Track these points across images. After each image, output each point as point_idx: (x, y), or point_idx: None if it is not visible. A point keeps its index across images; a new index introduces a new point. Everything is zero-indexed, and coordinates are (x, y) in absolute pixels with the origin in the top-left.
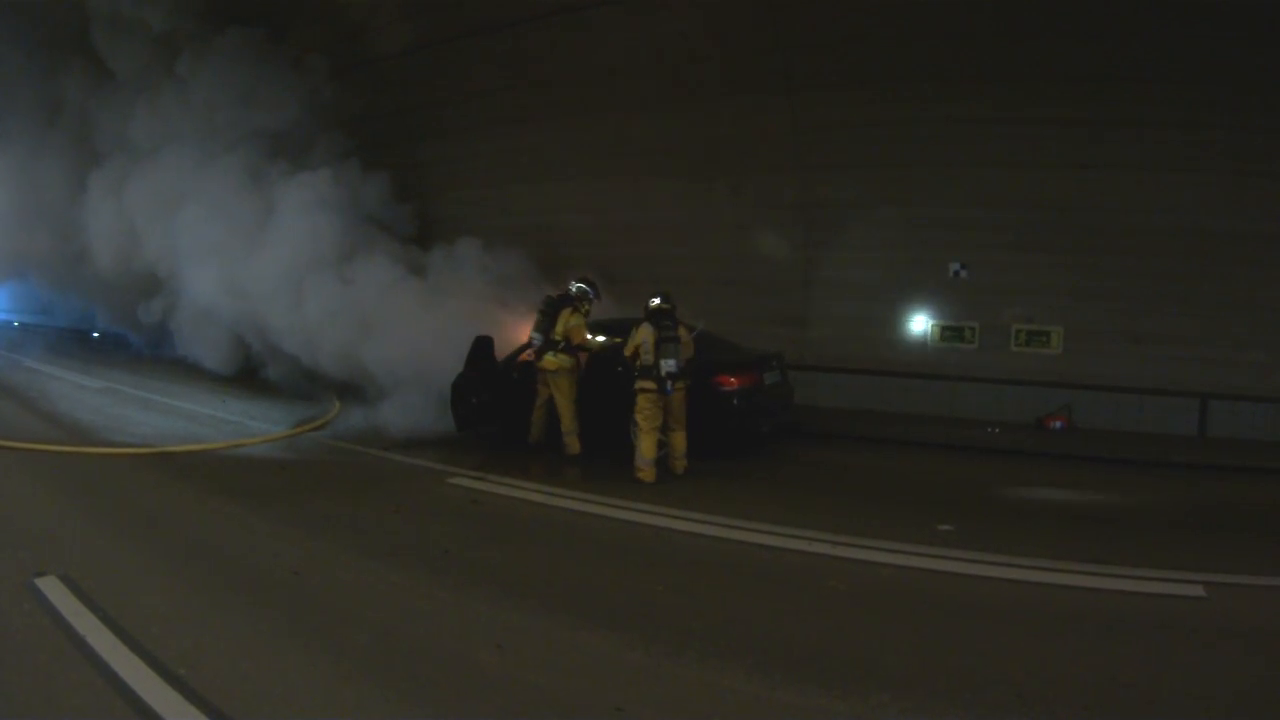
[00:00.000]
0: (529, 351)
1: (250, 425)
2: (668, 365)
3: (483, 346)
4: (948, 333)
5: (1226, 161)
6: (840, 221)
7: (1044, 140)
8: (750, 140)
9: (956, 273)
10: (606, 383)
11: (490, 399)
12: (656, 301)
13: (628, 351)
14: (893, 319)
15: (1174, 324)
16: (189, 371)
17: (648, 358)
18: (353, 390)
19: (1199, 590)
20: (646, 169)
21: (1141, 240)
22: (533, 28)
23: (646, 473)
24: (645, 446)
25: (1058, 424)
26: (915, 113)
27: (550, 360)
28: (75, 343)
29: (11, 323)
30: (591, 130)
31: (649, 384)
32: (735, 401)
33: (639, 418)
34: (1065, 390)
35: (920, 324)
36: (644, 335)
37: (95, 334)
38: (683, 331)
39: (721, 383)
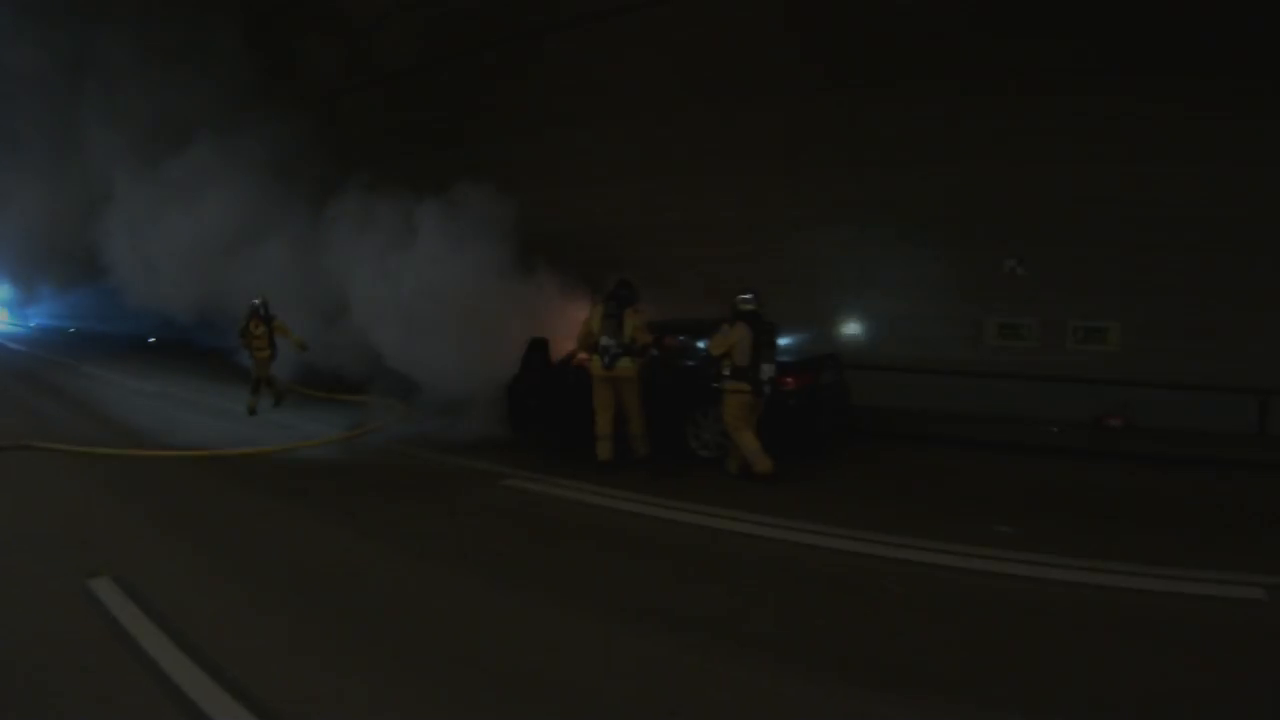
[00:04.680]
0: (581, 357)
1: (305, 428)
2: (768, 370)
3: (538, 348)
4: (1005, 330)
5: None
6: (896, 218)
7: (1100, 133)
8: (805, 138)
9: (1013, 268)
10: (664, 383)
11: (546, 401)
12: (748, 301)
13: (718, 351)
14: (950, 316)
15: (1234, 318)
16: (242, 374)
17: (743, 360)
18: (408, 392)
19: (1259, 593)
20: (700, 168)
21: (1200, 233)
22: (585, 29)
23: (763, 462)
24: (748, 441)
25: (1116, 422)
26: (970, 109)
27: (628, 365)
28: (131, 348)
29: (67, 328)
30: (643, 131)
31: (743, 386)
32: (792, 402)
33: (730, 420)
34: (1123, 388)
35: (978, 321)
36: (740, 335)
37: (151, 339)
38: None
39: (779, 383)
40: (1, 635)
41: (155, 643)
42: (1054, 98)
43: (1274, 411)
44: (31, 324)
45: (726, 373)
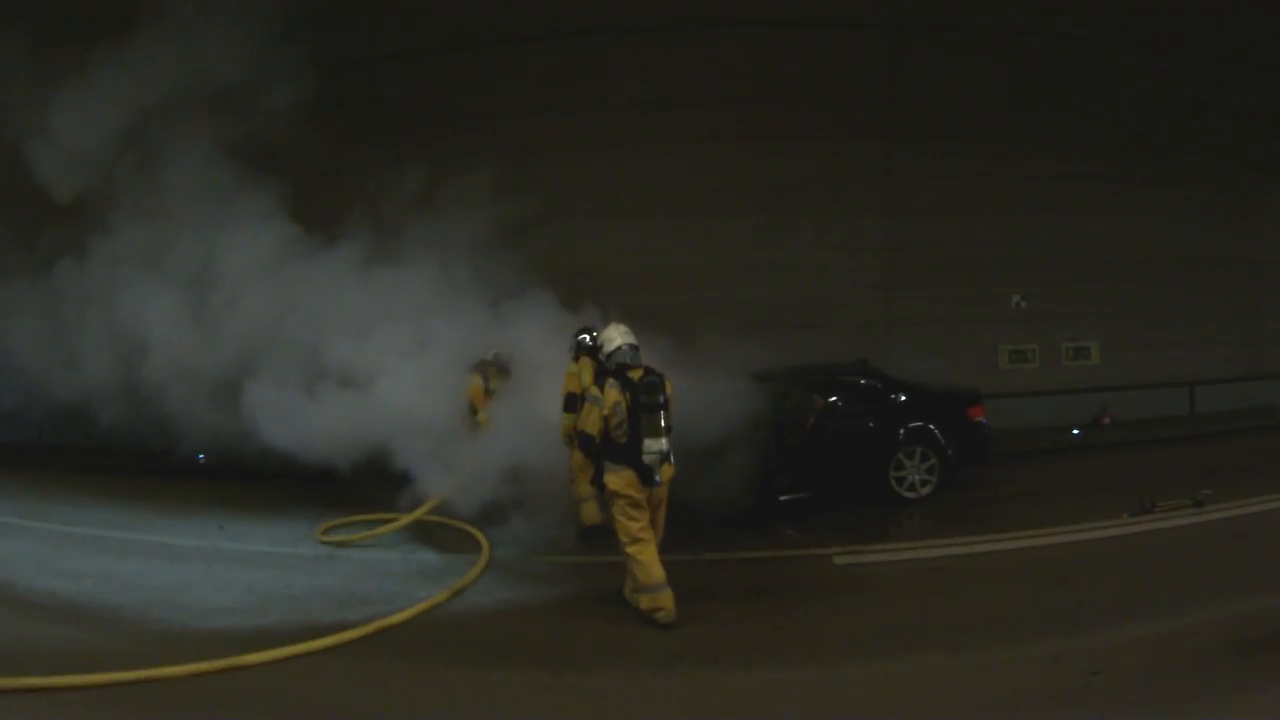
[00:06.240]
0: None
1: (320, 561)
2: (656, 445)
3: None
4: (1014, 355)
5: (1223, 208)
6: (919, 261)
7: (1085, 192)
8: (839, 182)
9: (1018, 303)
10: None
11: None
12: (612, 340)
13: (589, 425)
14: (969, 347)
15: (1170, 333)
16: (81, 481)
17: (620, 434)
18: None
19: None
20: (720, 208)
21: (1148, 272)
22: (598, 41)
23: (665, 603)
24: (645, 567)
25: (1106, 420)
26: (987, 165)
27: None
28: None
29: None
30: (658, 163)
31: (624, 474)
32: (987, 430)
33: (620, 534)
34: (1100, 393)
35: (993, 350)
36: (613, 398)
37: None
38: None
39: (974, 414)
40: None
41: None
42: (1052, 163)
43: (1198, 397)
44: None
45: (604, 453)
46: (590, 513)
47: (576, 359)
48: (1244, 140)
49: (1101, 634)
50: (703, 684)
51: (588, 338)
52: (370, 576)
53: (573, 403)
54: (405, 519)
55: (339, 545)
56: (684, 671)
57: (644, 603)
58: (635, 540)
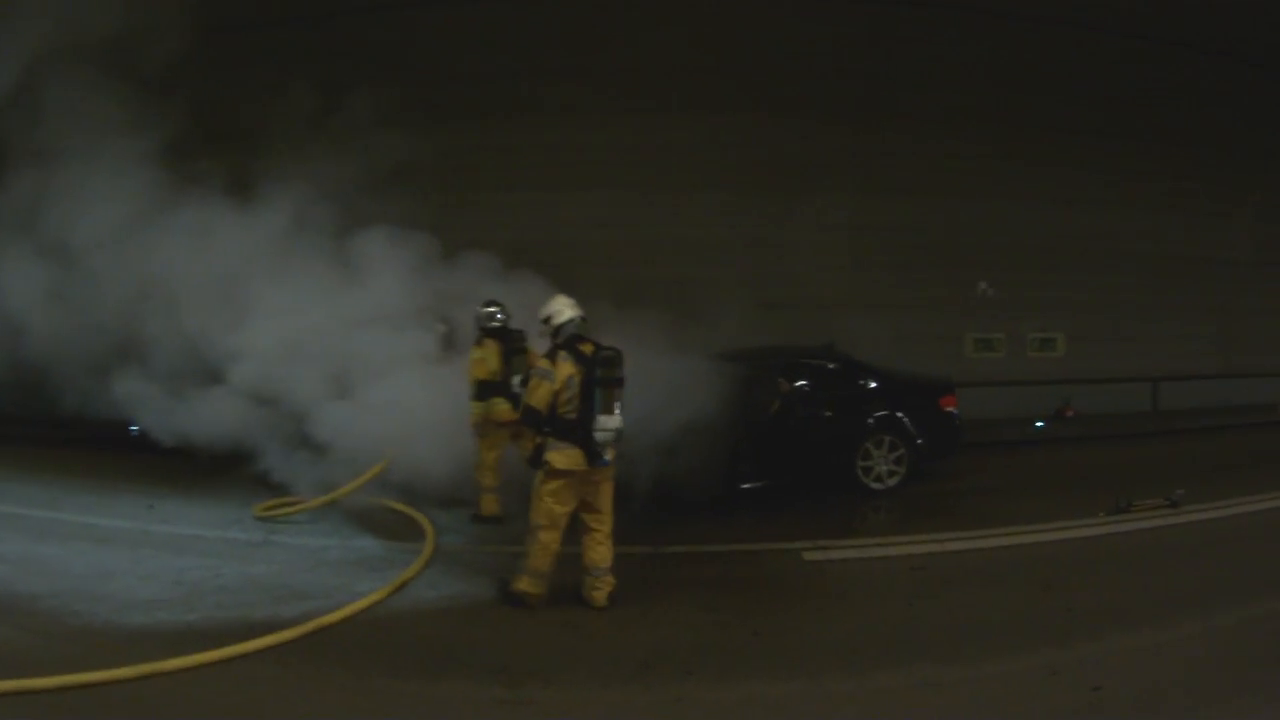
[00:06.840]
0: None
1: (253, 549)
2: (612, 423)
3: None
4: (980, 344)
5: (1195, 203)
6: (887, 244)
7: (1056, 179)
8: (812, 160)
9: (984, 290)
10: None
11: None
12: (562, 312)
13: (536, 400)
14: (934, 334)
15: (1135, 327)
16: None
17: (569, 410)
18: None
19: None
20: (689, 182)
21: (1116, 263)
22: (567, 6)
23: (538, 590)
24: (546, 552)
25: (1070, 413)
26: (960, 148)
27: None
28: None
29: None
30: (624, 133)
31: (571, 453)
32: (957, 421)
33: (539, 515)
34: (1065, 385)
35: (958, 337)
36: (566, 371)
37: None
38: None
39: (946, 404)
40: None
41: None
42: (1026, 151)
43: (1162, 393)
44: None
45: (548, 430)
46: (489, 505)
47: (479, 342)
48: (1222, 138)
49: (1096, 643)
50: (677, 698)
51: (497, 313)
52: (305, 566)
53: (484, 391)
54: (344, 490)
55: (276, 519)
56: (656, 684)
57: (522, 583)
58: (552, 526)
